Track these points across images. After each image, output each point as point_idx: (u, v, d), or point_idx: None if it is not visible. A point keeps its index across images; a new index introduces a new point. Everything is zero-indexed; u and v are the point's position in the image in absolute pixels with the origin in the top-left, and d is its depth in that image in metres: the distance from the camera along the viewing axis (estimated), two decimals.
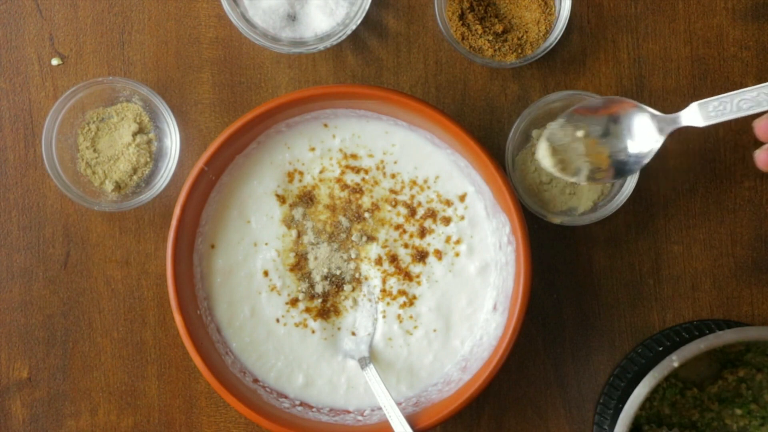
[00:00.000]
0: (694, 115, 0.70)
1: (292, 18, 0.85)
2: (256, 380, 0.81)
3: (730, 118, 0.67)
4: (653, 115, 0.73)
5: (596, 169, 0.75)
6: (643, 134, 0.74)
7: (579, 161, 0.75)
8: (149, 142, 0.85)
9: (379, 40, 0.86)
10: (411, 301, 0.81)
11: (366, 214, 0.82)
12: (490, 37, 0.83)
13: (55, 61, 0.86)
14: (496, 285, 0.80)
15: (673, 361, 0.73)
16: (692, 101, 0.85)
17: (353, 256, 0.82)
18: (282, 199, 0.82)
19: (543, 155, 0.76)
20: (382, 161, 0.82)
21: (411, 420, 0.77)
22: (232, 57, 0.87)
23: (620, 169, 0.75)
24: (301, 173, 0.82)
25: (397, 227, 0.82)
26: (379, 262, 0.81)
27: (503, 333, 0.76)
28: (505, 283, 0.79)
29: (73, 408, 0.87)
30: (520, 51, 0.83)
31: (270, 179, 0.82)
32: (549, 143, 0.75)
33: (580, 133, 0.75)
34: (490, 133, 0.86)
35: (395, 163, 0.82)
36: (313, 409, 0.81)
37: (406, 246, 0.82)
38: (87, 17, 0.87)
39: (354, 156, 0.82)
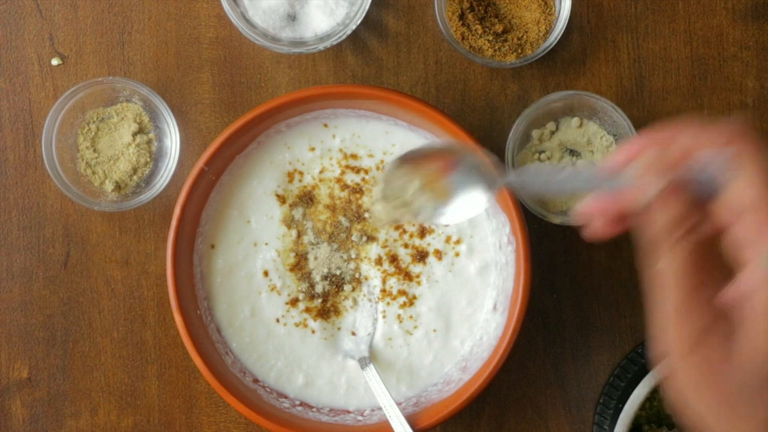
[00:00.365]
0: (515, 180, 0.60)
1: (292, 18, 0.85)
2: (256, 380, 0.81)
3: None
4: (480, 173, 0.61)
5: (441, 206, 0.63)
6: (471, 191, 0.63)
7: (419, 199, 0.64)
8: (149, 142, 0.85)
9: (379, 40, 0.86)
10: (411, 301, 0.81)
11: (366, 214, 0.82)
12: (490, 37, 0.83)
13: (55, 61, 0.87)
14: (496, 285, 0.80)
15: None
16: (692, 101, 0.86)
17: (353, 256, 0.82)
18: (282, 199, 0.82)
19: (377, 201, 0.65)
20: (382, 161, 0.82)
21: (411, 420, 0.77)
22: (232, 57, 0.87)
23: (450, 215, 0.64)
24: (301, 173, 0.82)
25: (397, 227, 0.82)
26: (379, 262, 0.81)
27: (503, 333, 0.76)
28: (505, 283, 0.79)
29: (73, 408, 0.87)
30: (520, 51, 0.83)
31: (270, 179, 0.82)
32: (385, 185, 0.64)
33: (416, 184, 0.63)
34: (490, 133, 0.86)
35: None
36: (313, 409, 0.81)
37: (406, 246, 0.82)
38: (87, 17, 0.87)
39: (354, 156, 0.82)
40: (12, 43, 0.87)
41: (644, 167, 0.50)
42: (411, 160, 0.64)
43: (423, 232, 0.81)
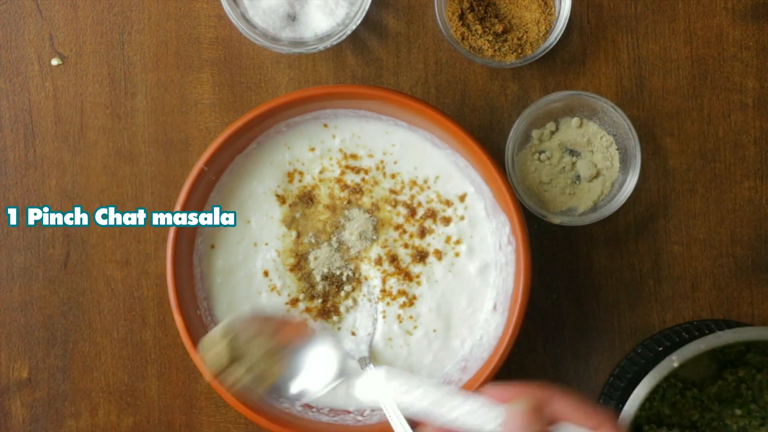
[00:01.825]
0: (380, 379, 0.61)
1: (292, 18, 0.85)
2: None
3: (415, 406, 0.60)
4: (338, 353, 0.61)
5: (261, 379, 0.63)
6: (319, 371, 0.62)
7: (250, 363, 0.63)
8: None
9: (379, 40, 0.86)
10: (411, 301, 0.81)
11: (366, 215, 0.82)
12: (490, 37, 0.83)
13: (55, 61, 0.87)
14: (496, 285, 0.80)
15: (673, 361, 0.73)
16: (692, 101, 0.86)
17: (353, 256, 0.82)
18: (282, 199, 0.82)
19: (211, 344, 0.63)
20: (382, 161, 0.82)
21: (411, 420, 0.76)
22: (232, 57, 0.87)
23: (281, 394, 0.63)
24: (301, 173, 0.82)
25: (397, 227, 0.82)
26: (379, 262, 0.81)
27: (503, 333, 0.76)
28: (504, 283, 0.79)
29: (73, 408, 0.87)
30: (520, 51, 0.83)
31: (270, 179, 0.82)
32: (226, 330, 0.63)
33: (264, 345, 0.62)
34: (490, 133, 0.86)
35: (395, 163, 0.82)
36: (313, 409, 0.81)
37: (406, 246, 0.82)
38: (87, 17, 0.87)
39: (354, 156, 0.82)
40: (12, 43, 0.87)
41: (520, 412, 0.58)
42: (262, 320, 0.65)
43: (423, 233, 0.81)
